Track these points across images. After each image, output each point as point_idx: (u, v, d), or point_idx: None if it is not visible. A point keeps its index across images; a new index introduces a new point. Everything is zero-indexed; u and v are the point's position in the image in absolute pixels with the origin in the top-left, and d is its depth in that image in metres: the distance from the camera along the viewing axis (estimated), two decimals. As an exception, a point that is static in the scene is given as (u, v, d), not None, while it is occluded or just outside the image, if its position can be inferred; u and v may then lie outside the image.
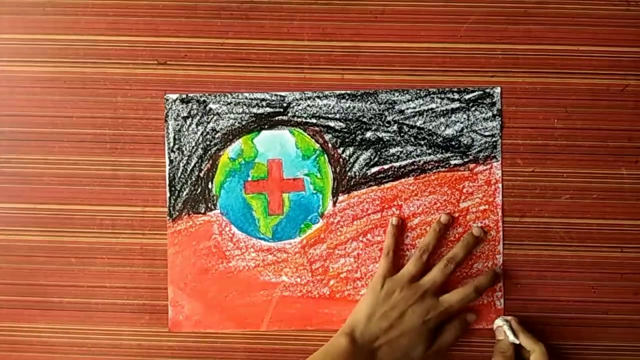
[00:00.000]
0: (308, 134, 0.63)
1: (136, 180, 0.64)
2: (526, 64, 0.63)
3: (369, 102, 0.63)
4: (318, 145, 0.63)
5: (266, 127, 0.63)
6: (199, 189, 0.63)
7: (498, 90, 0.63)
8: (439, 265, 0.60)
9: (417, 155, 0.63)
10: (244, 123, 0.63)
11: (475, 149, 0.63)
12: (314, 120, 0.63)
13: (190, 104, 0.63)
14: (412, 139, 0.63)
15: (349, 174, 0.63)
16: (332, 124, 0.63)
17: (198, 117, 0.63)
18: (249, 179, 0.63)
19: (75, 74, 0.64)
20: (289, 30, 0.63)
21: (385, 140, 0.63)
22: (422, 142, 0.63)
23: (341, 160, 0.63)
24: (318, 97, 0.63)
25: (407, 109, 0.63)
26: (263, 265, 0.63)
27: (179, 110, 0.63)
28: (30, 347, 0.64)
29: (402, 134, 0.63)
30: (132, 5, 0.63)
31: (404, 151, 0.63)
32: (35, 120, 0.64)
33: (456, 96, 0.63)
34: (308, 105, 0.63)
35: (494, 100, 0.63)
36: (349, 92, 0.63)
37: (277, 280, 0.63)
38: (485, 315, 0.62)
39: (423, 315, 0.58)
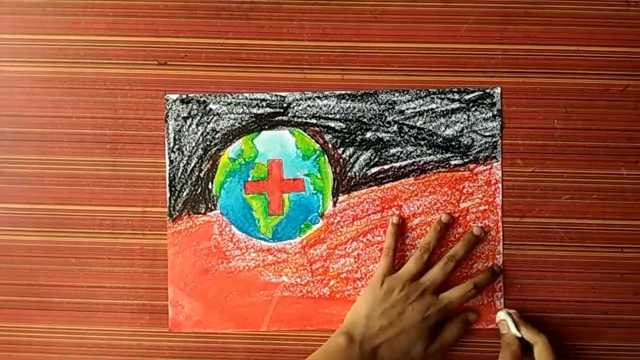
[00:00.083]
0: (308, 134, 0.63)
1: (136, 181, 0.63)
2: (526, 64, 0.63)
3: (369, 103, 0.63)
4: (318, 146, 0.63)
5: (266, 127, 0.63)
6: (199, 189, 0.63)
7: (498, 90, 0.63)
8: (440, 264, 0.60)
9: (417, 156, 0.63)
10: (244, 123, 0.63)
11: (475, 149, 0.63)
12: (314, 121, 0.63)
13: (190, 104, 0.63)
14: (412, 139, 0.63)
15: (349, 174, 0.63)
16: (332, 124, 0.63)
17: (198, 118, 0.63)
18: (249, 179, 0.63)
19: (75, 74, 0.63)
20: (289, 31, 0.63)
21: (385, 140, 0.63)
22: (422, 143, 0.63)
23: (341, 160, 0.63)
24: (318, 97, 0.63)
25: (407, 109, 0.63)
26: (263, 266, 0.63)
27: (179, 111, 0.63)
28: (30, 347, 0.64)
29: (402, 134, 0.63)
30: (132, 6, 0.63)
31: (404, 151, 0.63)
32: (34, 120, 0.64)
33: (456, 96, 0.63)
34: (308, 106, 0.63)
35: (494, 101, 0.63)
36: (349, 92, 0.63)
37: (277, 281, 0.63)
38: (486, 315, 0.62)
39: (423, 312, 0.58)
